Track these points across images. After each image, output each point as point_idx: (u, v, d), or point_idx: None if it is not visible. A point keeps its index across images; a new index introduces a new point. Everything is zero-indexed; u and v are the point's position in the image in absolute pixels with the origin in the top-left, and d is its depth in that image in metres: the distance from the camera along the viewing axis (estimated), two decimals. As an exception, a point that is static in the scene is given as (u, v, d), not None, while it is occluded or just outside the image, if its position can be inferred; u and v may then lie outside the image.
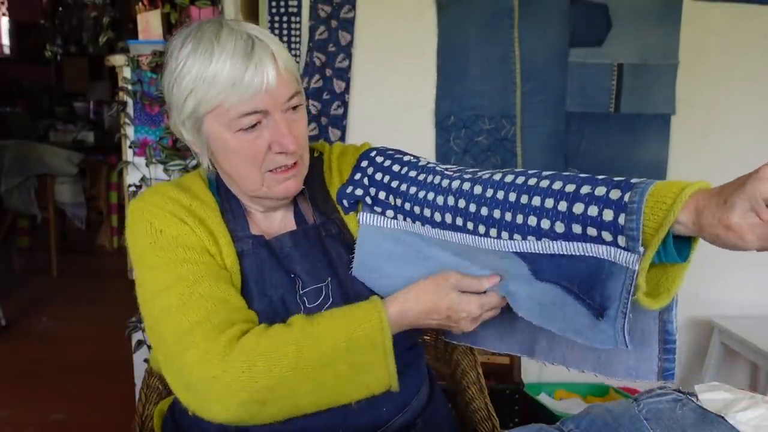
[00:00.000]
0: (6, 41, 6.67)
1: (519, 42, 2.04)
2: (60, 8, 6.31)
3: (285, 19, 2.03)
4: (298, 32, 2.04)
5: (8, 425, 2.21)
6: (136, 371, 2.06)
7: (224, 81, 0.81)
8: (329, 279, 0.92)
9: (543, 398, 2.04)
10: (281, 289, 0.89)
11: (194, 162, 1.97)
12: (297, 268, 0.91)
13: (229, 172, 0.91)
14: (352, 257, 0.94)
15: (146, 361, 1.16)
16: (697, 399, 0.77)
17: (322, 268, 0.92)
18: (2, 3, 6.60)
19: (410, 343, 0.98)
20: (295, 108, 0.88)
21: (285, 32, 2.04)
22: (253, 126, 0.85)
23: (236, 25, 0.86)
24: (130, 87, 2.00)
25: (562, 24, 2.04)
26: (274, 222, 0.98)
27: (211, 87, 0.82)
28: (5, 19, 6.64)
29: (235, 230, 0.92)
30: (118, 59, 2.00)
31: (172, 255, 0.85)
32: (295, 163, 0.90)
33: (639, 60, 2.05)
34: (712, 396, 0.77)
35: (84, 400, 2.38)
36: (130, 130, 2.05)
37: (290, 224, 0.98)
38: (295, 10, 2.03)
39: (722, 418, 0.73)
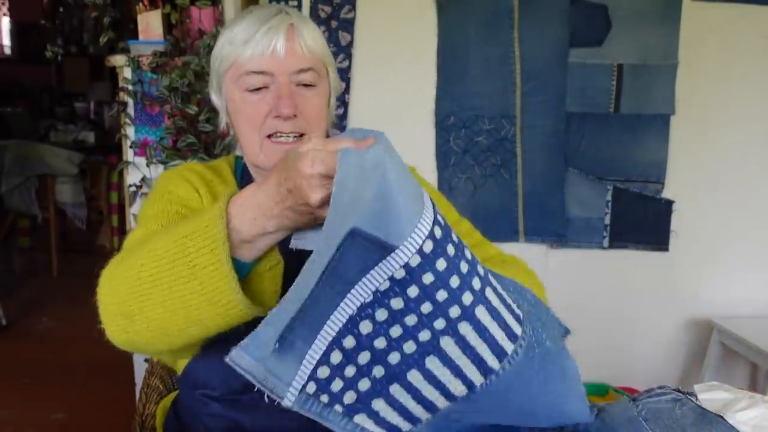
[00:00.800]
0: (7, 41, 6.67)
1: (519, 42, 2.04)
2: (61, 8, 6.31)
3: (285, 19, 2.04)
4: (298, 32, 2.04)
5: (8, 425, 2.21)
6: (136, 371, 2.06)
7: (239, 39, 0.88)
8: None
9: (543, 398, 2.04)
10: None
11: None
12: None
13: (237, 135, 0.94)
14: None
15: (146, 361, 1.16)
16: (697, 399, 0.77)
17: None
18: (3, 3, 6.60)
19: None
20: (307, 85, 0.90)
21: (285, 32, 2.04)
22: (259, 89, 0.88)
23: (279, 4, 0.90)
24: (130, 87, 2.00)
25: (562, 24, 2.04)
26: None
27: (230, 45, 0.89)
28: (6, 20, 6.64)
29: None
30: (118, 59, 2.00)
31: (168, 207, 0.88)
32: (300, 137, 0.90)
33: (639, 60, 2.05)
34: (711, 396, 0.77)
35: (84, 400, 2.38)
36: (130, 131, 2.05)
37: None
38: (295, 10, 2.03)
39: (721, 417, 0.73)
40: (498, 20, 2.03)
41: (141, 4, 2.03)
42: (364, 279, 0.57)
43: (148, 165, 2.04)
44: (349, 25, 2.03)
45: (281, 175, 0.65)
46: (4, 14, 6.62)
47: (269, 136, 0.89)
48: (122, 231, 3.59)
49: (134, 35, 2.06)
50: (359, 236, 0.56)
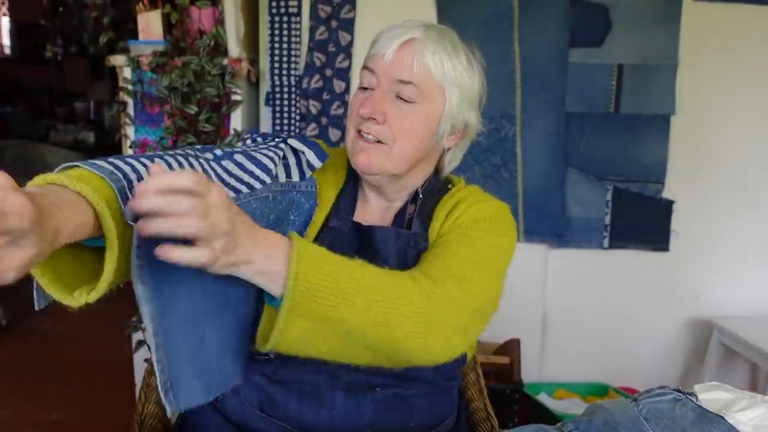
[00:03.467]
0: (6, 41, 6.66)
1: (519, 42, 2.04)
2: (60, 8, 6.30)
3: (285, 19, 2.04)
4: (298, 32, 2.04)
5: (8, 425, 2.21)
6: (136, 371, 2.06)
7: (373, 42, 0.96)
8: None
9: (543, 398, 2.05)
10: None
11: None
12: (377, 260, 0.85)
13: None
14: None
15: (146, 360, 1.16)
16: (697, 399, 0.77)
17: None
18: (3, 3, 6.59)
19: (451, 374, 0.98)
20: (406, 99, 0.90)
21: (285, 32, 2.04)
22: (366, 88, 0.93)
23: (435, 24, 0.97)
24: (130, 87, 2.00)
25: (562, 24, 2.04)
26: (384, 210, 1.00)
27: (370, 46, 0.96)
28: (6, 19, 6.63)
29: (343, 209, 0.96)
30: (118, 59, 2.00)
31: None
32: (378, 142, 0.91)
33: (639, 60, 2.05)
34: (711, 396, 0.77)
35: (84, 400, 2.38)
36: (130, 131, 2.05)
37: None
38: (295, 10, 2.03)
39: (722, 417, 0.73)
40: (498, 20, 2.03)
41: (141, 4, 2.03)
42: None
43: (148, 165, 2.04)
44: (349, 25, 2.03)
45: None
46: (4, 14, 6.61)
47: (359, 133, 0.92)
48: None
49: (134, 35, 2.06)
50: None
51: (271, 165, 0.82)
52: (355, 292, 0.70)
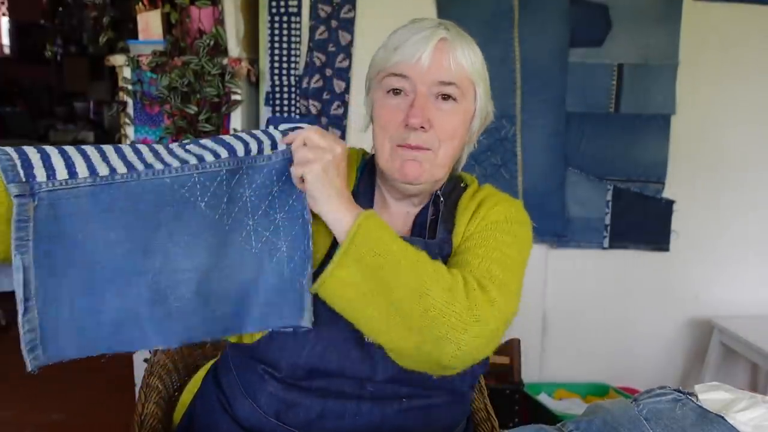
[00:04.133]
0: (6, 41, 6.66)
1: (519, 42, 2.04)
2: (60, 8, 6.30)
3: (285, 19, 2.03)
4: (298, 32, 2.04)
5: (9, 426, 2.21)
6: (136, 371, 2.06)
7: (392, 45, 0.91)
8: None
9: (543, 398, 2.05)
10: None
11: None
12: None
13: (373, 138, 0.94)
14: None
15: (146, 360, 1.16)
16: (697, 399, 0.77)
17: None
18: (2, 3, 6.59)
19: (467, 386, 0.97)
20: (447, 99, 0.89)
21: (285, 32, 2.04)
22: (399, 93, 0.89)
23: (446, 20, 0.94)
24: (130, 87, 2.00)
25: (562, 24, 2.04)
26: (405, 215, 0.97)
27: (384, 50, 0.92)
28: (5, 19, 6.63)
29: None
30: (118, 59, 2.00)
31: None
32: (425, 149, 0.89)
33: (639, 60, 2.05)
34: (711, 396, 0.77)
35: (84, 400, 2.38)
36: (130, 130, 2.05)
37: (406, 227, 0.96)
38: (295, 10, 2.03)
39: (722, 418, 0.73)
40: (498, 20, 2.03)
41: (140, 4, 2.02)
42: None
43: (147, 165, 2.04)
44: (349, 25, 2.03)
45: None
46: (4, 14, 6.61)
47: (399, 145, 0.89)
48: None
49: (134, 35, 2.05)
50: None
51: (238, 146, 0.79)
52: (402, 256, 0.77)
